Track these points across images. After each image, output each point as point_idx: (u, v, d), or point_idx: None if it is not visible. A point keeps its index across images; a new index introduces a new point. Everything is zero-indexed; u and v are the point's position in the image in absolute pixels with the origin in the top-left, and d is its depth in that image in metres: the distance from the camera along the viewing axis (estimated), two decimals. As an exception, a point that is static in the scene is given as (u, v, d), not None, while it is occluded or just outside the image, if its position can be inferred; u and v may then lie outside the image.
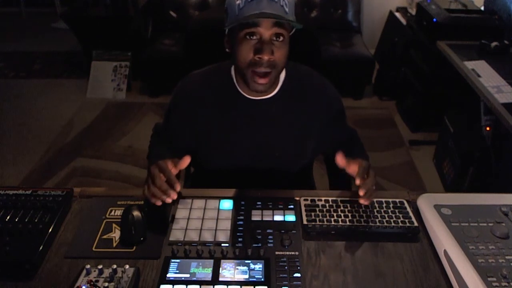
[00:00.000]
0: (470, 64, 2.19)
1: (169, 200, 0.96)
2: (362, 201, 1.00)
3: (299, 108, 1.18)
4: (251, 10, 0.97)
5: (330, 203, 1.08)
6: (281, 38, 1.01)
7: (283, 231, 1.01)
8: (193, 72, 1.24)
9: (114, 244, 0.99)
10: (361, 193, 0.98)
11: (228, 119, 1.18)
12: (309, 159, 1.33)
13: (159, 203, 0.98)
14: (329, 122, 1.22)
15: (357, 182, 0.99)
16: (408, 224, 1.02)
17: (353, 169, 1.03)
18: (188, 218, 1.05)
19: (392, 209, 1.07)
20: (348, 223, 1.02)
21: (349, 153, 1.25)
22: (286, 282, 0.88)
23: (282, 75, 1.17)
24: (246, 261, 0.93)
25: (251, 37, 1.01)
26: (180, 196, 1.12)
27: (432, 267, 0.95)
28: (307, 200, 1.09)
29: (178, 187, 0.96)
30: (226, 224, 1.04)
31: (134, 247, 0.98)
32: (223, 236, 1.00)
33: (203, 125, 1.19)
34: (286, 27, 1.02)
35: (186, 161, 1.01)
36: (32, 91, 3.61)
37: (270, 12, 0.96)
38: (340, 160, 1.03)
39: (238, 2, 0.98)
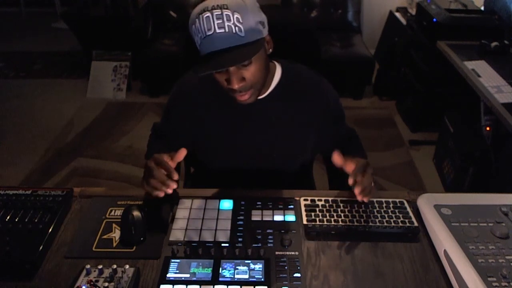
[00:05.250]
0: (470, 64, 2.19)
1: (169, 191, 0.96)
2: (359, 198, 1.00)
3: (296, 107, 1.18)
4: (207, 48, 0.95)
5: (330, 203, 1.08)
6: (247, 62, 0.99)
7: (283, 231, 1.01)
8: (189, 74, 1.23)
9: (114, 244, 0.99)
10: (356, 191, 0.99)
11: (224, 121, 1.18)
12: (308, 158, 1.33)
13: (161, 194, 0.97)
14: (327, 120, 1.22)
15: (350, 182, 0.99)
16: (408, 224, 1.02)
17: (350, 167, 1.03)
18: (188, 218, 1.05)
19: (392, 209, 1.06)
20: (348, 223, 1.02)
21: (347, 152, 1.25)
22: (286, 282, 0.88)
23: (278, 74, 1.16)
24: (246, 261, 0.93)
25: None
26: (180, 196, 1.12)
27: (432, 267, 0.95)
28: (307, 200, 1.09)
29: (176, 176, 0.97)
30: (226, 224, 1.04)
31: (134, 247, 0.98)
32: (223, 236, 1.00)
33: (200, 126, 1.19)
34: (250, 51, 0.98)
35: (182, 153, 1.01)
36: (32, 91, 3.60)
37: (222, 47, 0.93)
38: (336, 158, 1.04)
39: (196, 38, 0.98)
